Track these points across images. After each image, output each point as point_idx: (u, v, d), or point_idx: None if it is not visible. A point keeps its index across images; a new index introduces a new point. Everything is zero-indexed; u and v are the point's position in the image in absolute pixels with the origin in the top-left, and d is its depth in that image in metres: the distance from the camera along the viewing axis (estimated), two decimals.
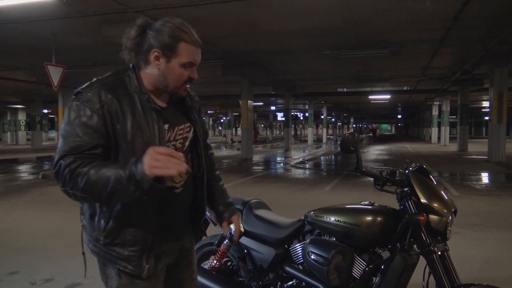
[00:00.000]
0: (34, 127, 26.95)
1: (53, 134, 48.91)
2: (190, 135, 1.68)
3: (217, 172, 1.94)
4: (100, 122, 1.42)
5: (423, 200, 1.95)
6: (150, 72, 1.54)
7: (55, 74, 11.43)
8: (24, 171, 13.25)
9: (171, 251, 1.67)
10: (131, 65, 1.58)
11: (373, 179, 2.11)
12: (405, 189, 2.03)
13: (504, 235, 5.24)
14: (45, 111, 35.98)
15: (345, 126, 58.57)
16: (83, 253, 1.65)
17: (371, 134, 53.88)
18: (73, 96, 1.47)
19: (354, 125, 65.75)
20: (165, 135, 1.55)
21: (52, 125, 51.52)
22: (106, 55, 13.75)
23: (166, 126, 1.57)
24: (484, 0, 8.37)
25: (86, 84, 1.50)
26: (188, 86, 1.60)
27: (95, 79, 1.53)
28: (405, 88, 25.16)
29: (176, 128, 1.62)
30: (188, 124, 1.68)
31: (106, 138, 1.43)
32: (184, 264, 1.77)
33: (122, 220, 1.49)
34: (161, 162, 1.29)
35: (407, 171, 2.07)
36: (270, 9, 8.96)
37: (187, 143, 1.67)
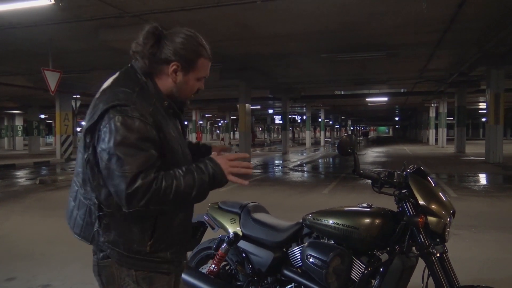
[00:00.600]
0: (31, 133, 26.86)
1: (50, 139, 48.76)
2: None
3: None
4: (155, 133, 1.41)
5: (421, 202, 1.94)
6: (165, 82, 1.54)
7: (52, 79, 11.42)
8: (22, 176, 13.20)
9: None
10: (141, 71, 1.54)
11: (371, 181, 2.10)
12: (403, 191, 2.03)
13: (502, 236, 5.24)
14: (42, 116, 35.94)
15: (343, 129, 58.63)
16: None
17: (361, 138, 53.70)
18: (115, 110, 1.37)
19: (352, 127, 65.79)
20: (183, 138, 1.65)
21: (50, 130, 51.41)
22: (103, 60, 13.76)
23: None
24: (479, 2, 8.42)
25: (119, 96, 1.42)
26: (193, 96, 1.65)
27: (124, 90, 1.45)
28: (402, 90, 25.21)
29: None
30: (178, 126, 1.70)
31: (159, 147, 1.43)
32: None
33: (166, 227, 1.53)
34: (235, 167, 1.50)
35: (405, 173, 2.07)
36: (267, 13, 8.98)
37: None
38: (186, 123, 1.64)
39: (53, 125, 44.81)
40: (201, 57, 1.54)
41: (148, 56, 1.49)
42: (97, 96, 1.51)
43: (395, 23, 9.86)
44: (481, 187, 9.83)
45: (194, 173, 1.43)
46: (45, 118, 41.28)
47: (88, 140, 1.43)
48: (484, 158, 15.39)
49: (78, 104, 20.30)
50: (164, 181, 1.37)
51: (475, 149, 22.03)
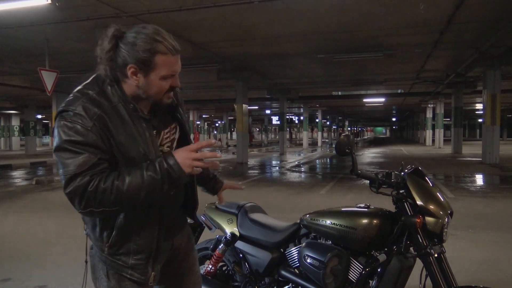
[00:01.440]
0: (28, 133, 26.79)
1: (47, 139, 48.60)
2: (177, 135, 1.65)
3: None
4: (96, 138, 1.37)
5: (419, 202, 1.93)
6: (130, 84, 1.47)
7: (48, 79, 11.37)
8: (18, 177, 13.15)
9: (166, 251, 1.67)
10: (108, 75, 1.48)
11: (368, 181, 2.09)
12: (401, 191, 2.02)
13: (500, 236, 5.25)
14: (39, 116, 35.82)
15: (340, 129, 58.69)
16: (86, 261, 1.64)
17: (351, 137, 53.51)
18: (59, 116, 1.39)
19: (349, 128, 65.90)
20: (156, 141, 1.54)
21: (46, 130, 51.25)
22: None
23: (154, 133, 1.54)
24: (476, 4, 8.44)
25: (68, 100, 1.41)
26: (171, 94, 1.54)
27: (75, 93, 1.44)
28: (399, 91, 25.26)
29: (162, 133, 1.59)
30: (173, 125, 1.64)
31: (106, 153, 1.40)
32: (179, 259, 1.75)
33: (125, 231, 1.49)
34: (198, 160, 1.39)
35: (402, 173, 2.06)
36: (264, 13, 8.97)
37: (174, 145, 1.64)
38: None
39: (49, 125, 44.73)
40: (157, 53, 1.40)
41: (107, 62, 1.44)
42: None
43: (392, 24, 9.88)
44: (478, 187, 9.86)
45: (143, 171, 1.37)
46: (41, 119, 41.15)
47: None
48: (480, 159, 15.44)
49: None
50: (103, 183, 1.33)
51: (471, 150, 22.09)
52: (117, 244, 1.49)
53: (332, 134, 53.23)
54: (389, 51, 12.30)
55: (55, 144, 1.38)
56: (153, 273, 1.55)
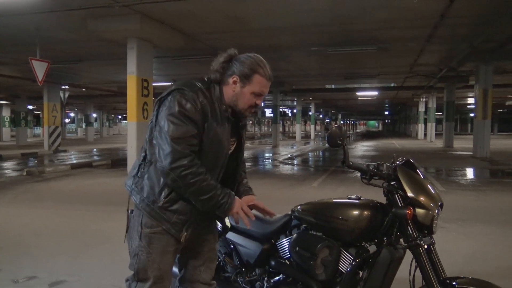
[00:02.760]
0: (19, 124, 26.56)
1: (38, 130, 48.19)
2: (232, 148, 2.04)
3: (244, 175, 2.28)
4: (199, 117, 1.80)
5: (409, 194, 1.94)
6: (228, 91, 1.91)
7: (39, 69, 11.26)
8: (8, 167, 13.03)
9: (199, 228, 2.03)
10: (217, 79, 1.92)
11: (360, 173, 2.10)
12: (392, 183, 2.02)
13: (489, 229, 5.31)
14: (30, 107, 35.48)
15: (332, 123, 58.82)
16: (128, 210, 2.02)
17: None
18: (178, 91, 1.82)
19: (342, 121, 66.06)
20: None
21: (37, 121, 50.76)
22: (92, 50, 13.58)
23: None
24: None
25: (188, 84, 1.86)
26: (254, 110, 1.96)
27: (195, 82, 1.89)
28: (392, 85, 25.33)
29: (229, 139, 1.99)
30: (234, 139, 2.03)
31: (200, 132, 1.81)
32: (206, 233, 2.12)
33: (180, 195, 1.86)
34: (241, 213, 1.90)
35: (393, 165, 2.07)
36: (258, 5, 8.92)
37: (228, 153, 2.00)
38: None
39: (41, 116, 44.31)
40: (256, 73, 1.88)
41: (219, 70, 1.91)
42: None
43: (387, 18, 9.86)
44: (469, 181, 9.95)
45: (216, 187, 1.83)
46: (32, 109, 40.77)
47: (156, 109, 1.89)
48: (471, 153, 15.58)
49: (66, 95, 20.08)
50: (200, 170, 1.77)
51: (463, 144, 22.27)
52: (171, 201, 1.86)
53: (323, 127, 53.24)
54: (383, 44, 12.30)
55: (168, 110, 1.79)
56: (185, 233, 1.91)
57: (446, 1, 8.52)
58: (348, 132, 52.91)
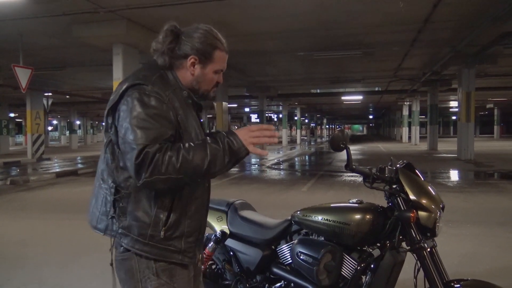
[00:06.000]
0: (0, 132, 25.97)
1: (20, 138, 47.25)
2: None
3: None
4: (169, 111, 1.47)
5: (412, 197, 1.94)
6: (184, 75, 1.62)
7: (23, 76, 11.05)
8: None
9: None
10: (167, 64, 1.62)
11: (362, 176, 2.09)
12: (394, 186, 2.02)
13: (478, 230, 5.37)
14: (12, 115, 34.81)
15: (318, 127, 59.11)
16: (111, 264, 1.62)
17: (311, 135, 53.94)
18: (134, 88, 1.47)
19: (327, 126, 66.47)
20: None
21: (19, 129, 49.80)
22: (76, 57, 13.40)
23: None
24: (453, 3, 8.60)
25: (141, 76, 1.52)
26: (216, 89, 1.72)
27: (145, 73, 1.55)
28: (376, 89, 25.63)
29: None
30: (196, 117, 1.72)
31: (174, 126, 1.48)
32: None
33: (181, 213, 1.53)
34: (256, 137, 1.50)
35: (394, 168, 2.06)
36: (245, 9, 8.93)
37: None
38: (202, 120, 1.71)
39: (23, 123, 43.52)
40: (217, 49, 1.62)
41: (167, 52, 1.58)
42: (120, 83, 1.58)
43: (372, 22, 9.98)
44: (455, 183, 10.08)
45: (207, 144, 1.44)
46: (14, 117, 40.01)
47: (110, 122, 1.51)
48: (456, 155, 15.80)
49: (50, 102, 19.76)
50: (170, 151, 1.38)
51: (446, 147, 22.59)
52: (174, 226, 1.51)
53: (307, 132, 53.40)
54: (368, 49, 12.44)
55: (130, 114, 1.42)
56: (200, 255, 1.67)
57: (430, 6, 8.67)
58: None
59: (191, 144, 1.44)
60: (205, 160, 1.41)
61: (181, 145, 1.43)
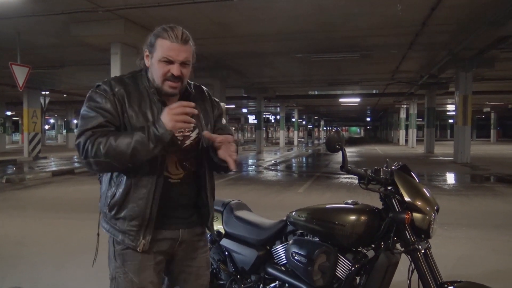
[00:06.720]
0: None
1: (17, 137, 47.10)
2: (194, 135, 1.77)
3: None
4: (110, 106, 1.63)
5: (407, 199, 1.94)
6: (150, 72, 1.72)
7: (20, 74, 11.00)
8: None
9: (167, 239, 1.76)
10: (141, 65, 1.76)
11: (358, 178, 2.09)
12: (389, 188, 2.02)
13: (474, 233, 5.39)
14: (9, 113, 34.70)
15: (315, 129, 59.19)
16: (98, 234, 1.85)
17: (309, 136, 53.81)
18: (92, 89, 1.69)
19: (325, 128, 66.56)
20: None
21: (16, 127, 49.63)
22: (74, 56, 13.38)
23: None
24: (451, 7, 8.63)
25: (106, 79, 1.73)
26: (174, 84, 1.67)
27: (118, 76, 1.78)
28: (374, 92, 25.68)
29: None
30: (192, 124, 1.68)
31: (117, 119, 1.64)
32: (187, 257, 1.84)
33: (126, 197, 1.66)
34: (178, 114, 1.54)
35: (390, 170, 2.07)
36: (243, 11, 8.93)
37: (188, 142, 1.75)
38: None
39: (20, 122, 43.36)
40: (159, 37, 1.64)
41: (141, 55, 1.74)
42: None
43: (370, 25, 10.01)
44: (451, 186, 10.11)
45: (133, 133, 1.57)
46: (11, 115, 39.89)
47: None
48: (452, 158, 15.86)
49: (47, 101, 19.71)
50: (100, 138, 1.56)
51: (443, 150, 22.66)
52: (117, 207, 1.67)
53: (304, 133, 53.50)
54: (366, 51, 12.47)
55: (83, 106, 1.67)
56: (143, 241, 1.67)
57: (428, 9, 8.70)
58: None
59: (123, 132, 1.60)
60: (129, 146, 1.53)
61: (112, 133, 1.59)
